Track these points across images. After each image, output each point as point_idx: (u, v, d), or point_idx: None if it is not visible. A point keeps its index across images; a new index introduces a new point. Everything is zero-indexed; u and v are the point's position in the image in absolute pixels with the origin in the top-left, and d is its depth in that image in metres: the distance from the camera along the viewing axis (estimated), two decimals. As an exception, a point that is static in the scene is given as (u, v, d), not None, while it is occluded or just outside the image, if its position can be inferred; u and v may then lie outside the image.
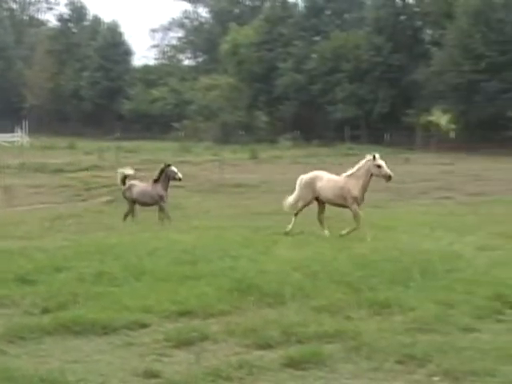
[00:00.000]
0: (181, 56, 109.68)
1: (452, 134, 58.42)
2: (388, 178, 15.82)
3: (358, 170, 16.13)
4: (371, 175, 15.98)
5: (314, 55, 70.18)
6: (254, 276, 10.50)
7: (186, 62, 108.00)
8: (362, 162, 16.11)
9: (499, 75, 51.53)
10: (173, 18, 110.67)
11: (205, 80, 79.12)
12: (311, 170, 17.95)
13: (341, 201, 16.31)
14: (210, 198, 28.40)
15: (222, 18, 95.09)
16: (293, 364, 7.17)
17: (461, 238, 15.14)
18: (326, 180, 16.57)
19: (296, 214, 16.72)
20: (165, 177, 19.74)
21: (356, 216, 16.00)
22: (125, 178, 20.27)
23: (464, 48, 52.78)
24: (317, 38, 72.31)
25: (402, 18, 66.30)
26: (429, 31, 66.81)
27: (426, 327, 8.87)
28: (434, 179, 32.22)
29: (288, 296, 9.54)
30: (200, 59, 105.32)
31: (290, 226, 16.41)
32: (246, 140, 65.73)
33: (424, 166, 39.01)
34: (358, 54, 66.28)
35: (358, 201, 16.11)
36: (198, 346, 7.73)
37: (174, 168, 19.89)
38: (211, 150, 54.86)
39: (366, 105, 64.87)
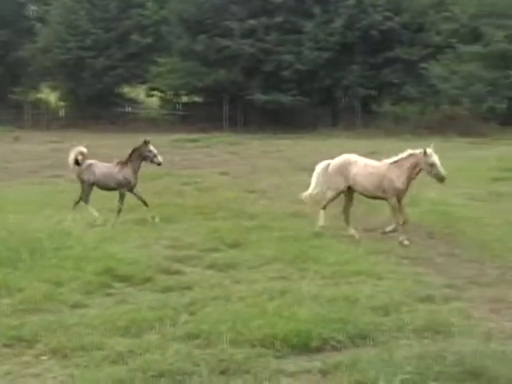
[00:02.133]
0: None
1: (62, 112, 58.32)
2: (440, 178, 13.68)
3: (403, 159, 13.87)
4: (419, 170, 13.77)
5: None
6: None
7: None
8: (409, 152, 13.86)
9: (106, 52, 52.39)
10: None
11: None
12: None
13: (379, 192, 14.14)
14: None
15: None
16: None
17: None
18: (363, 165, 14.40)
19: (324, 207, 14.65)
20: (138, 157, 16.14)
21: (393, 213, 14.08)
22: (77, 158, 16.67)
23: (69, 25, 52.72)
24: None
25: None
26: (33, 7, 65.43)
27: (35, 307, 8.78)
28: (44, 157, 31.81)
29: None
30: None
31: (321, 222, 14.54)
32: None
33: (34, 145, 38.33)
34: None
35: (400, 194, 13.99)
36: None
37: (152, 147, 16.14)
38: None
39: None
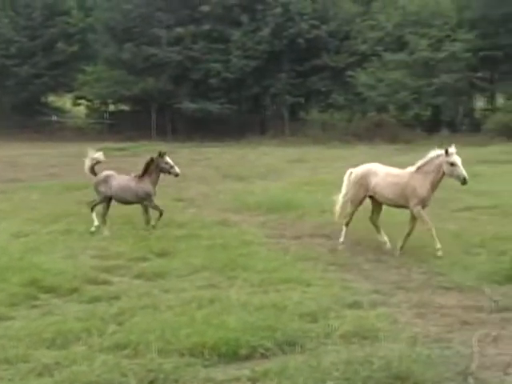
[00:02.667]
0: None
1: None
2: (463, 180, 12.85)
3: (426, 163, 13.16)
4: (443, 173, 12.98)
5: None
6: None
7: None
8: (431, 155, 13.12)
9: (30, 60, 51.59)
10: None
11: None
12: None
13: (402, 201, 13.45)
14: None
15: None
16: None
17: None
18: (384, 174, 13.73)
19: (347, 224, 14.05)
20: (155, 169, 15.53)
21: (422, 221, 13.23)
22: (94, 165, 15.93)
23: (-7, 32, 51.83)
24: None
25: None
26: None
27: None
28: (-32, 167, 31.05)
29: None
30: None
31: (342, 238, 13.96)
32: None
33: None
34: None
35: (425, 202, 13.26)
36: None
37: (168, 159, 15.61)
38: None
39: None
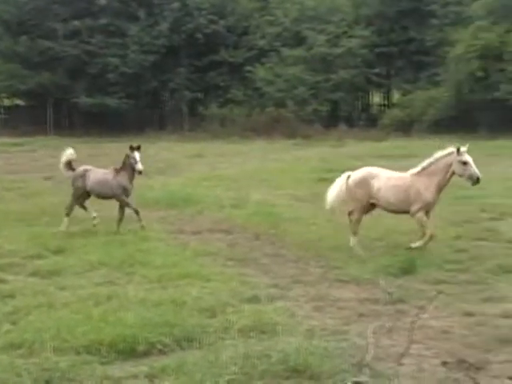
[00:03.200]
0: None
1: None
2: (475, 180, 12.17)
3: (431, 164, 12.42)
4: (452, 173, 12.29)
5: None
6: None
7: None
8: (439, 155, 12.38)
9: None
10: None
11: None
12: None
13: (405, 206, 12.56)
14: None
15: None
16: None
17: None
18: (386, 178, 12.84)
19: (355, 234, 12.88)
20: (128, 163, 14.98)
21: (422, 227, 12.46)
22: (69, 162, 15.37)
23: None
24: None
25: None
26: None
27: None
28: None
29: None
30: None
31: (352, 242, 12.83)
32: None
33: None
34: None
35: (429, 206, 12.50)
36: None
37: (137, 154, 14.93)
38: None
39: None
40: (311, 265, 12.03)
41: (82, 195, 15.33)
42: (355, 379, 7.02)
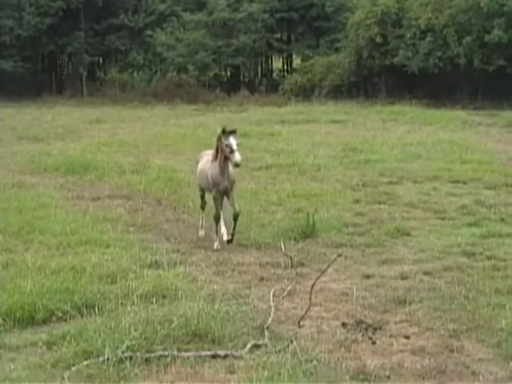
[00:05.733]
0: None
1: None
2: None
3: None
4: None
5: None
6: None
7: None
8: None
9: None
10: None
11: None
12: None
13: None
14: None
15: None
16: None
17: None
18: None
19: None
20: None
21: None
22: None
23: None
24: None
25: None
26: None
27: None
28: None
29: None
30: None
31: None
32: None
33: None
34: None
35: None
36: None
37: (232, 141, 11.07)
38: None
39: None
40: (212, 229, 12.04)
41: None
42: (255, 342, 7.10)
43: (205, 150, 12.41)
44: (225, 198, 11.46)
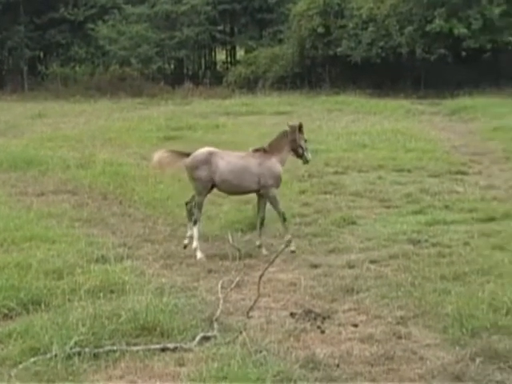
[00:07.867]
0: None
1: None
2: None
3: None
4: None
5: None
6: None
7: None
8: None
9: None
10: None
11: None
12: None
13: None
14: None
15: None
16: None
17: None
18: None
19: None
20: (287, 145, 10.83)
21: None
22: None
23: None
24: None
25: None
26: None
27: None
28: None
29: None
30: None
31: None
32: None
33: None
34: None
35: None
36: None
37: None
38: None
39: None
40: (159, 223, 12.00)
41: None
42: (205, 334, 7.10)
43: (204, 149, 10.81)
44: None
